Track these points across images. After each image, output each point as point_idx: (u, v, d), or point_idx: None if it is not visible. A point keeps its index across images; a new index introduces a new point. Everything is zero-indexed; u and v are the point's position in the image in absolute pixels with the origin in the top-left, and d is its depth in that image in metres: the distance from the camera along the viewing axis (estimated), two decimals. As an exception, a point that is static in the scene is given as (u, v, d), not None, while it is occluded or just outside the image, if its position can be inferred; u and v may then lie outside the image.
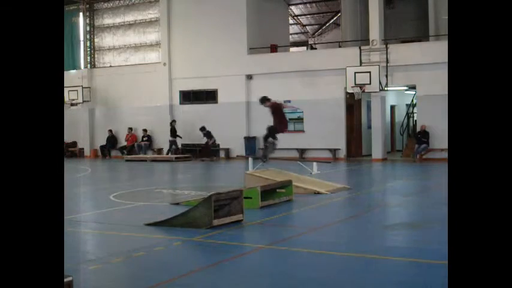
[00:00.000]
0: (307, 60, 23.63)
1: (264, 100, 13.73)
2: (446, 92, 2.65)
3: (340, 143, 22.69)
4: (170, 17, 26.01)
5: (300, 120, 23.81)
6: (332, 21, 35.01)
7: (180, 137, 25.26)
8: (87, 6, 28.90)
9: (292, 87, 23.19)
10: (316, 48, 31.48)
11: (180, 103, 25.99)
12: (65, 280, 3.70)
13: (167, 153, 25.28)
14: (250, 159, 17.04)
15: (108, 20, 28.90)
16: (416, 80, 21.46)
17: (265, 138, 13.73)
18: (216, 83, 24.91)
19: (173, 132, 25.11)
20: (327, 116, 22.72)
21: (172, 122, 25.32)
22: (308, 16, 35.54)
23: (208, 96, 25.32)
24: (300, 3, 32.94)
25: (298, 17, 35.47)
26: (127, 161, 24.58)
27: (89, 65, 28.80)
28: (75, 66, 29.10)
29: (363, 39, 23.57)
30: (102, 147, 27.58)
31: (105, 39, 28.99)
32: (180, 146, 25.44)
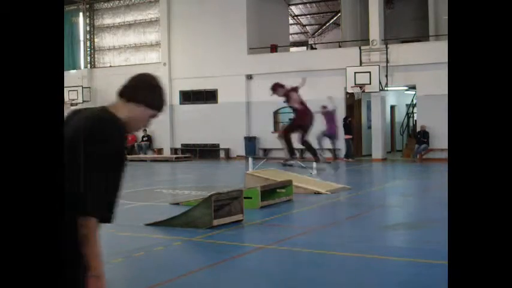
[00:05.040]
0: (307, 60, 23.61)
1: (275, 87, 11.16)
2: (446, 92, 2.65)
3: (340, 143, 22.67)
4: (170, 17, 26.00)
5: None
6: (332, 21, 35.00)
7: None
8: (87, 6, 28.91)
9: (292, 87, 23.17)
10: (316, 48, 31.47)
11: (180, 103, 25.98)
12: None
13: None
14: (250, 159, 17.02)
15: (108, 20, 28.90)
16: (416, 80, 21.45)
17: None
18: (216, 83, 24.90)
19: None
20: (327, 116, 22.70)
21: None
22: (308, 16, 35.53)
23: (208, 96, 25.31)
24: (300, 3, 32.94)
25: (298, 17, 35.47)
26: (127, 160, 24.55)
27: (89, 65, 28.81)
28: (75, 66, 29.10)
29: (363, 39, 23.57)
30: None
31: (105, 39, 28.99)
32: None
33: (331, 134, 17.70)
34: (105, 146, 2.34)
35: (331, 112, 18.13)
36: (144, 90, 2.63)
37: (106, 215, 2.47)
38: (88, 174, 2.31)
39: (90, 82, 28.23)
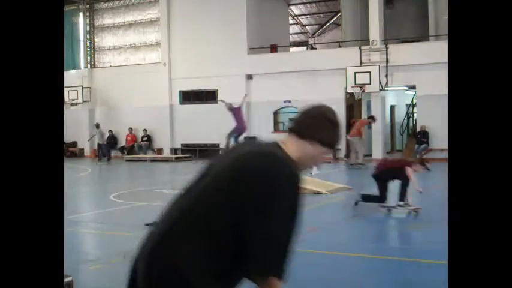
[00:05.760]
0: (307, 60, 23.61)
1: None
2: (446, 92, 2.64)
3: (340, 143, 22.64)
4: (170, 17, 25.99)
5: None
6: (332, 21, 34.99)
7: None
8: (87, 6, 28.89)
9: (292, 87, 23.18)
10: (316, 48, 31.44)
11: (180, 103, 25.98)
12: (65, 280, 3.70)
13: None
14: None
15: (108, 20, 28.88)
16: (416, 80, 21.44)
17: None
18: (216, 83, 24.89)
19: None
20: (327, 116, 22.68)
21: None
22: (308, 16, 35.53)
23: (208, 96, 25.29)
24: (300, 3, 32.93)
25: (298, 17, 35.46)
26: (127, 161, 24.56)
27: (89, 65, 28.79)
28: (75, 66, 29.08)
29: (363, 39, 23.55)
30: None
31: (105, 39, 28.97)
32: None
33: (241, 131, 18.10)
34: (285, 194, 2.11)
35: (237, 109, 18.60)
36: (320, 128, 2.30)
37: (282, 273, 2.24)
38: (266, 226, 2.07)
39: (90, 82, 28.20)
